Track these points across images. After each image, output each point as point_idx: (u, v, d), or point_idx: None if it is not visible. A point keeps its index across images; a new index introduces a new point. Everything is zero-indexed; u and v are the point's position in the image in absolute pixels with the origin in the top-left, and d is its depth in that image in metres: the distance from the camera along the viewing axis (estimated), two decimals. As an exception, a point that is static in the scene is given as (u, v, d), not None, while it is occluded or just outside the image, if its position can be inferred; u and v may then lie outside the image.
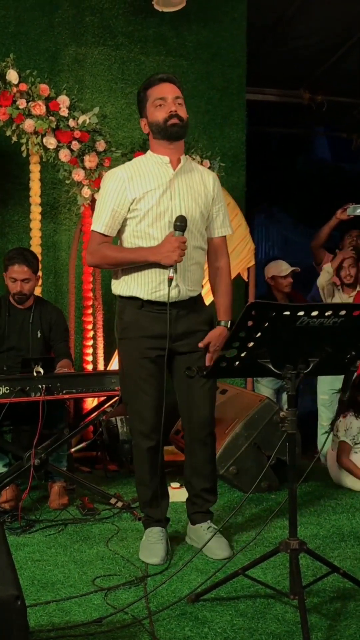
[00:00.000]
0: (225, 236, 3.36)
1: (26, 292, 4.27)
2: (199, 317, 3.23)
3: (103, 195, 3.13)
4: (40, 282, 5.01)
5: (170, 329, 3.09)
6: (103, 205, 3.12)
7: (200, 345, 3.19)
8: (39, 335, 4.34)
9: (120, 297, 3.22)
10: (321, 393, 5.32)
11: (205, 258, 3.33)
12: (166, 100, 3.09)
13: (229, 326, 3.25)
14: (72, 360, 4.46)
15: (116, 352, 5.25)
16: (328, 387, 5.26)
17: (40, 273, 5.00)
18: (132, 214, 3.10)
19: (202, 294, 3.33)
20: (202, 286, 3.33)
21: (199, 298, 3.27)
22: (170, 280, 3.02)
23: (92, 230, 3.17)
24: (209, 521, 3.32)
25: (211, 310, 3.36)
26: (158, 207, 3.08)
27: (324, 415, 5.39)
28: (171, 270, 3.01)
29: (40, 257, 5.02)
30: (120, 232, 3.18)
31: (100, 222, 3.12)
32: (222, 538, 3.24)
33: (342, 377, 5.03)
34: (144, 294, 3.11)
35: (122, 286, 3.19)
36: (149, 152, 3.22)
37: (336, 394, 5.30)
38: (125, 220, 3.13)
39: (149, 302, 3.12)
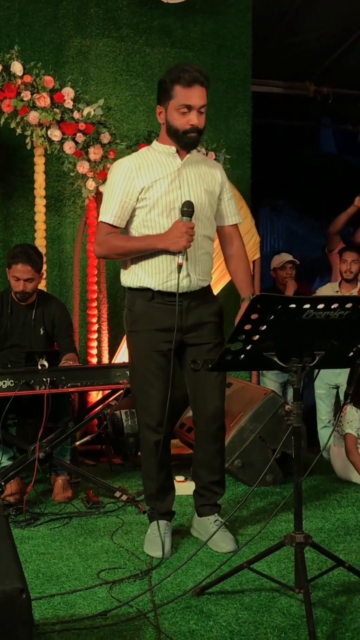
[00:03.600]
0: (237, 224, 3.35)
1: (29, 291, 4.24)
2: (210, 309, 3.22)
3: (111, 186, 3.11)
4: (44, 275, 5.00)
5: (181, 321, 3.09)
6: (111, 196, 3.09)
7: None
8: (42, 332, 4.32)
9: (130, 288, 3.19)
10: (318, 387, 5.32)
11: (214, 248, 3.31)
12: (191, 109, 3.02)
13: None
14: (77, 354, 4.45)
15: (120, 345, 5.27)
16: (324, 381, 5.25)
17: (45, 267, 5.00)
18: (141, 203, 3.08)
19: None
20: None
21: (208, 288, 3.26)
22: (179, 267, 2.98)
23: (100, 221, 3.14)
24: (216, 514, 3.31)
25: (220, 302, 3.35)
26: (167, 196, 3.06)
27: (322, 409, 5.39)
28: (180, 256, 2.98)
29: (44, 250, 5.02)
30: (129, 222, 3.15)
31: (109, 213, 3.09)
32: (227, 532, 3.23)
33: (338, 371, 5.10)
34: (154, 284, 3.09)
35: (132, 277, 3.16)
36: (154, 142, 3.21)
37: (333, 388, 5.31)
38: (134, 210, 3.11)
39: (160, 292, 3.09)
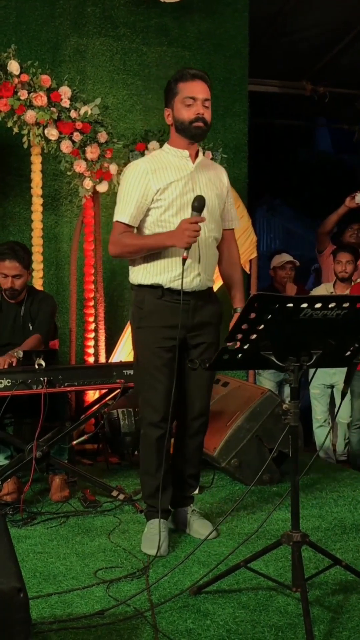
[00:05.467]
0: (233, 229, 3.47)
1: (18, 287, 4.21)
2: (213, 309, 3.31)
3: (126, 187, 3.19)
4: (41, 274, 5.00)
5: (188, 319, 3.19)
6: (127, 197, 3.18)
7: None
8: (31, 328, 4.30)
9: (140, 285, 3.26)
10: (313, 387, 5.33)
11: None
12: (195, 101, 3.15)
13: None
14: (47, 338, 4.34)
15: (117, 344, 5.27)
16: (319, 381, 5.27)
17: (41, 266, 5.00)
18: (156, 204, 3.16)
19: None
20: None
21: (212, 289, 3.35)
22: (184, 260, 3.04)
23: (116, 221, 3.21)
24: (191, 505, 3.43)
25: (221, 303, 3.42)
26: (182, 197, 3.16)
27: (318, 409, 5.40)
28: (185, 251, 3.04)
29: (41, 249, 5.02)
30: (142, 221, 3.22)
31: (126, 213, 3.17)
32: (205, 519, 3.37)
33: (333, 370, 5.12)
34: (165, 281, 3.16)
35: (143, 274, 3.22)
36: (166, 145, 3.30)
37: (328, 388, 5.32)
38: (148, 210, 3.19)
39: (170, 290, 3.16)
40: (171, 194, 3.14)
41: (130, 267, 3.31)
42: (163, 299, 3.18)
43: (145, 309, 3.22)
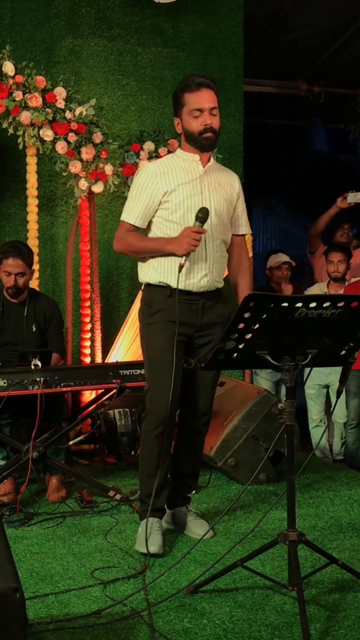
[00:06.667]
0: (244, 235, 3.50)
1: (20, 285, 4.24)
2: (222, 310, 3.33)
3: (136, 188, 3.24)
4: (37, 274, 5.00)
5: (196, 319, 3.23)
6: (136, 198, 3.22)
7: None
8: (34, 329, 4.32)
9: (149, 285, 3.29)
10: (308, 387, 5.34)
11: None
12: (203, 112, 3.16)
13: None
14: (65, 353, 4.46)
15: (114, 344, 5.27)
16: (314, 381, 5.28)
17: (37, 266, 5.00)
18: (164, 205, 3.20)
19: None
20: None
21: (222, 290, 3.37)
22: (181, 267, 3.09)
23: (122, 220, 3.26)
24: (187, 505, 3.44)
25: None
26: (189, 200, 3.19)
27: (313, 409, 5.41)
28: (183, 258, 3.09)
29: (37, 250, 5.01)
30: (151, 222, 3.26)
31: (133, 214, 3.22)
32: (201, 519, 3.39)
33: (328, 370, 5.12)
34: (173, 281, 3.18)
35: (152, 274, 3.25)
36: (178, 150, 3.35)
37: (323, 388, 5.33)
38: (156, 211, 3.23)
39: (178, 290, 3.18)
40: (179, 196, 3.17)
41: (139, 264, 3.34)
42: (172, 298, 3.20)
43: (154, 307, 3.25)
